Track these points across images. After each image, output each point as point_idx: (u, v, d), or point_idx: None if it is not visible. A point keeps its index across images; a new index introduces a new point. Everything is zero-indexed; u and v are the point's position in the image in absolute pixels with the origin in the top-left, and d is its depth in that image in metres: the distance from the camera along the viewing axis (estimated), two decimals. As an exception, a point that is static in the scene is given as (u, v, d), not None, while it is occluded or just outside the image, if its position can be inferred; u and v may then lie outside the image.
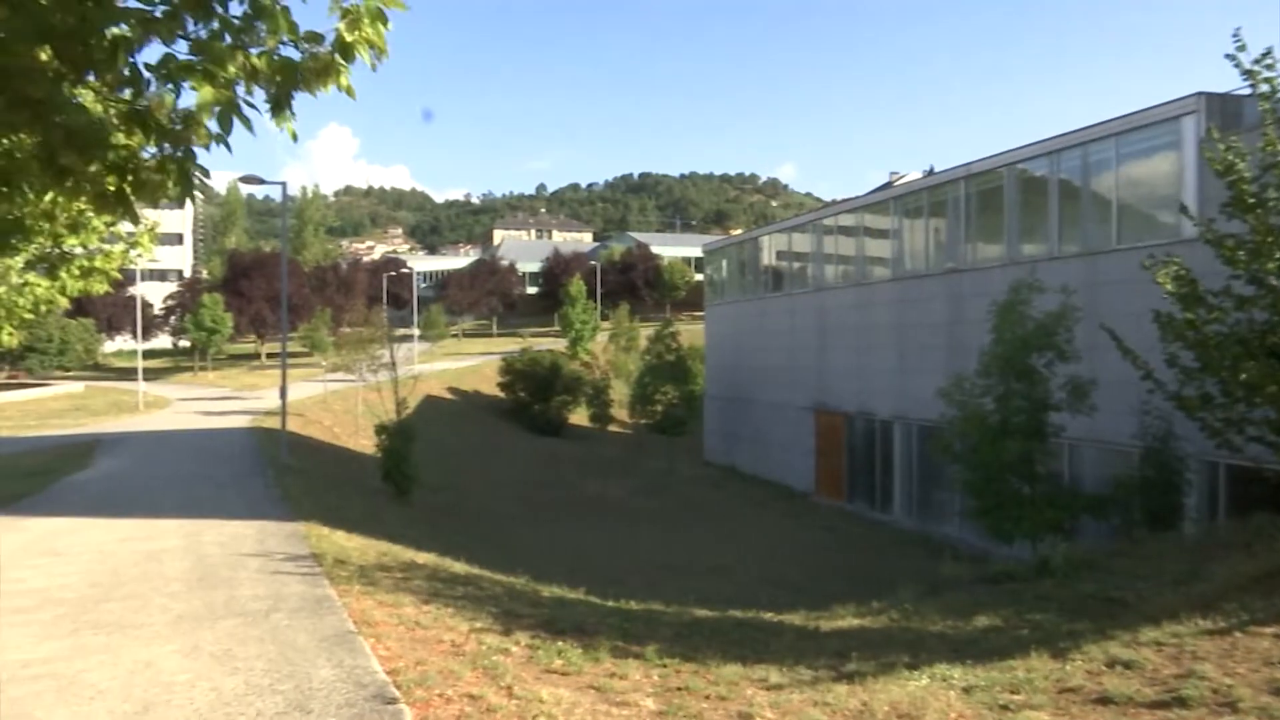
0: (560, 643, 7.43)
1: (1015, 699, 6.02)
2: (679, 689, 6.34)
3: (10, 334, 13.41)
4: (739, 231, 72.10)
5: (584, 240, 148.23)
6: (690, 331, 52.91)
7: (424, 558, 12.64)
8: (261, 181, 26.51)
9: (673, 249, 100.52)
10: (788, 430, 32.01)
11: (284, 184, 27.30)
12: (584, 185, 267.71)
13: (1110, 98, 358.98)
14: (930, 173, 35.16)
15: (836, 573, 19.51)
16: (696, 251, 72.44)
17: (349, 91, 3.71)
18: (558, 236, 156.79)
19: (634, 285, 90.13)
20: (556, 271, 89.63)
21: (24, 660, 6.92)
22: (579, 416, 53.22)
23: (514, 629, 7.95)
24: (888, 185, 50.10)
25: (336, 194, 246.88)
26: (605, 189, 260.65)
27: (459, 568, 12.40)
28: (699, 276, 74.19)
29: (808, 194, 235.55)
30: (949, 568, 14.05)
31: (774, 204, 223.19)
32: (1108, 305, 16.67)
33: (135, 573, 10.17)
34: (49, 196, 4.04)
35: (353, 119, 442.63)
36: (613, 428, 51.72)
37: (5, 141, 3.67)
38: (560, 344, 69.27)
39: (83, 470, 21.50)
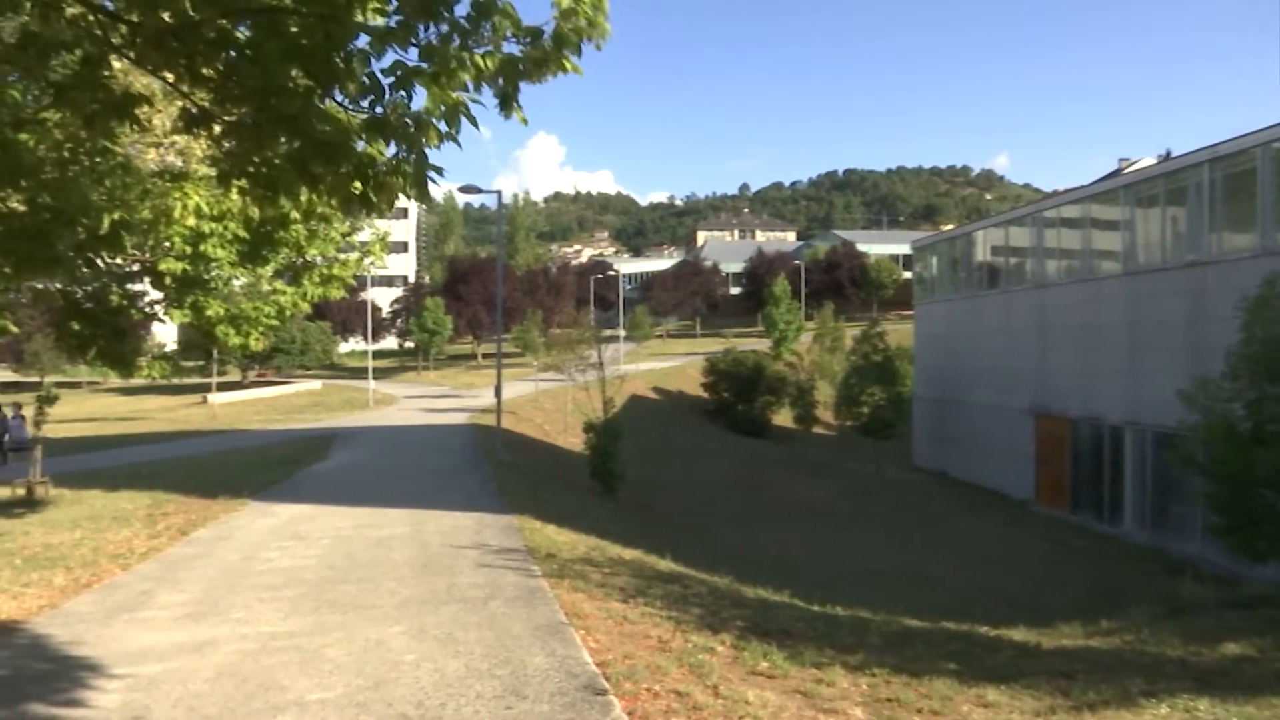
0: (766, 645, 7.36)
1: (1276, 736, 5.43)
2: (889, 700, 6.13)
3: (257, 338, 14.81)
4: (950, 227, 69.19)
5: (787, 239, 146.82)
6: (898, 331, 51.27)
7: (630, 554, 12.87)
8: (479, 190, 28.19)
9: (879, 246, 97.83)
10: (1004, 434, 30.38)
11: (499, 192, 28.73)
12: (787, 184, 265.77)
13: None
14: (1167, 157, 32.40)
15: (1059, 587, 18.31)
16: (904, 248, 70.25)
17: (575, 70, 3.82)
18: (761, 236, 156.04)
19: (839, 284, 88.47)
20: (760, 271, 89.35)
21: (273, 633, 7.57)
22: (783, 417, 52.72)
23: (719, 629, 7.94)
24: (1116, 173, 46.52)
25: (546, 200, 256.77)
26: (809, 187, 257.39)
27: (664, 565, 12.55)
28: (907, 274, 71.93)
29: (1025, 185, 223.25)
30: (1189, 588, 12.87)
31: (988, 197, 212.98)
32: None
33: (367, 558, 10.92)
34: (303, 200, 4.39)
35: (558, 126, 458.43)
36: (817, 429, 50.88)
37: (265, 153, 4.03)
38: (764, 344, 68.95)
39: (321, 461, 23.37)
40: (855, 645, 7.82)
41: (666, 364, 66.45)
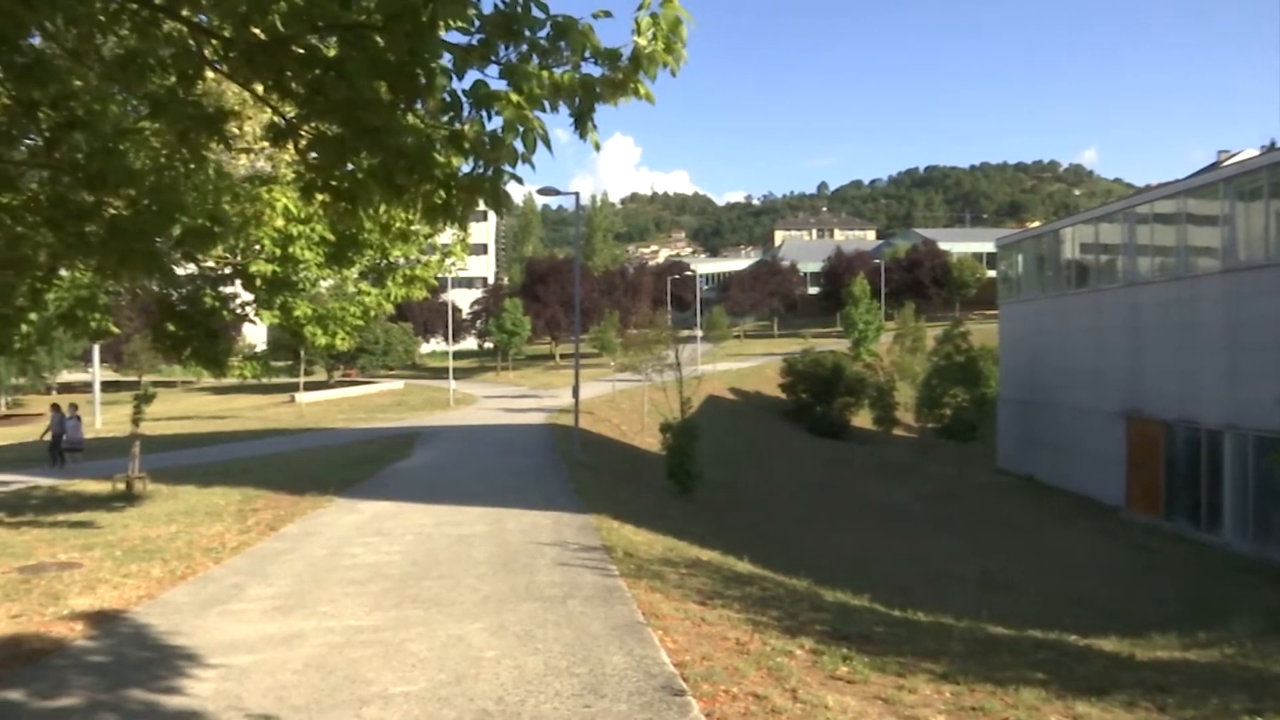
0: (845, 649, 7.27)
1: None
2: (973, 709, 6.00)
3: (343, 338, 15.19)
4: (1037, 224, 67.37)
5: (867, 238, 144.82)
6: (982, 331, 50.11)
7: (708, 555, 12.86)
8: (557, 192, 28.56)
9: (962, 245, 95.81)
10: (1093, 438, 29.44)
11: (577, 194, 28.89)
12: (866, 182, 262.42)
13: None
14: (1271, 148, 30.97)
15: (1153, 597, 17.69)
16: (988, 246, 68.64)
17: (648, 98, 3.85)
18: (839, 235, 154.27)
19: (920, 283, 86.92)
20: (838, 271, 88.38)
21: (358, 627, 7.77)
22: (862, 419, 52.04)
23: (798, 632, 7.88)
24: (1215, 166, 44.65)
25: (623, 201, 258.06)
26: (889, 185, 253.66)
27: (741, 566, 12.50)
28: (991, 273, 70.33)
29: (1115, 179, 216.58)
30: (1295, 600, 12.33)
31: (1076, 192, 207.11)
32: None
33: (448, 555, 11.12)
34: (386, 211, 4.52)
35: (634, 128, 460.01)
36: (897, 431, 50.10)
37: (350, 165, 4.14)
38: (842, 345, 68.15)
39: (404, 459, 23.87)
40: (938, 652, 7.68)
41: (743, 364, 66.15)
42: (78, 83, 6.07)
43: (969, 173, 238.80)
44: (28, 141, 6.56)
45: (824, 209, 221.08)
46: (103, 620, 8.15)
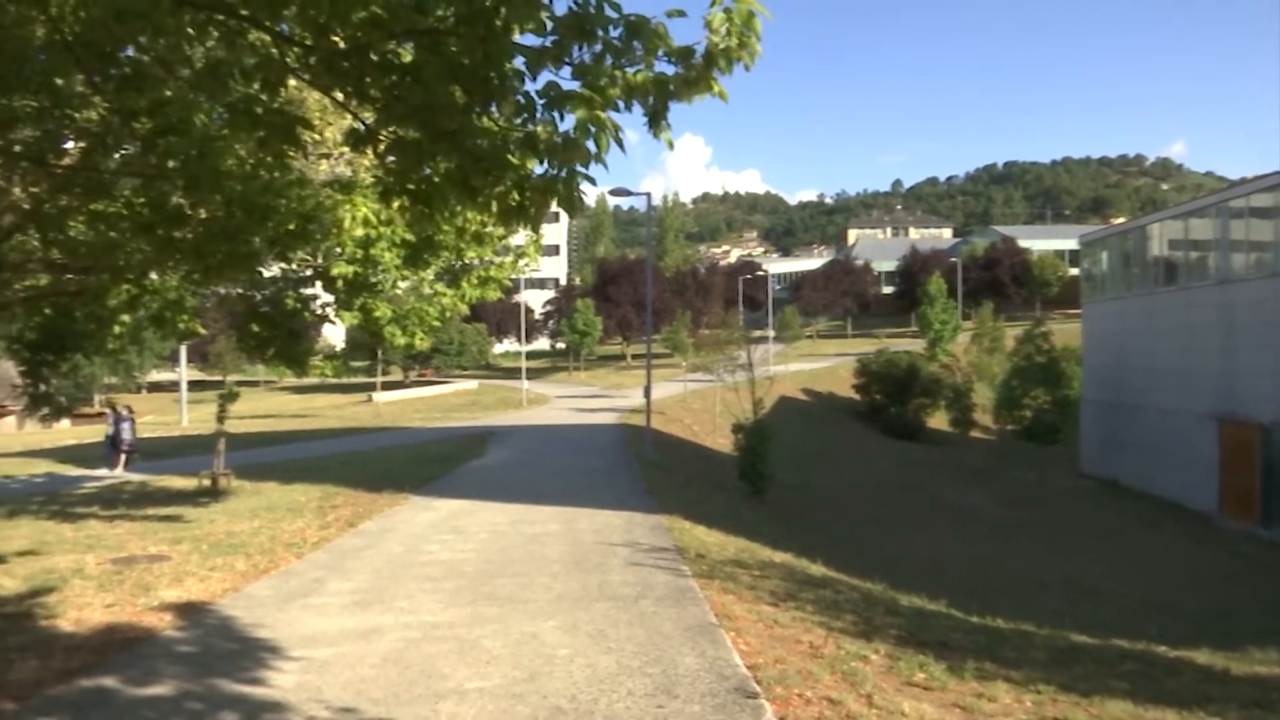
0: (922, 655, 7.13)
1: None
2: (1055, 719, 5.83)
3: (421, 338, 15.46)
4: (1121, 220, 65.33)
5: (943, 236, 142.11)
6: (1064, 331, 48.77)
7: (780, 557, 12.75)
8: (629, 193, 28.54)
9: (1043, 242, 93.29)
10: (1183, 441, 28.39)
11: (648, 195, 29.00)
12: (943, 178, 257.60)
13: None
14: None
15: (1249, 608, 16.99)
16: (1071, 244, 66.66)
17: (722, 95, 3.83)
18: (914, 233, 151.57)
19: (999, 282, 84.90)
20: (914, 270, 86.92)
21: (434, 623, 7.89)
22: (938, 420, 51.12)
23: (873, 636, 7.76)
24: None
25: (694, 201, 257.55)
26: (966, 181, 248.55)
27: (815, 569, 12.37)
28: (1074, 271, 68.33)
29: (1207, 173, 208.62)
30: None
31: (1164, 187, 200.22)
32: None
33: (521, 553, 11.23)
34: (461, 214, 4.60)
35: (705, 128, 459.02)
36: (975, 433, 49.04)
37: (426, 168, 4.21)
38: (918, 345, 67.08)
39: (478, 458, 24.19)
40: (1018, 660, 7.49)
41: (816, 365, 65.52)
42: (168, 92, 6.31)
43: (1050, 168, 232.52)
44: (123, 150, 6.82)
45: (898, 207, 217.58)
46: (190, 611, 8.44)
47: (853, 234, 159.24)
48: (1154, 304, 31.85)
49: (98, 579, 9.82)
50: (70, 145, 7.37)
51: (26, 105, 5.96)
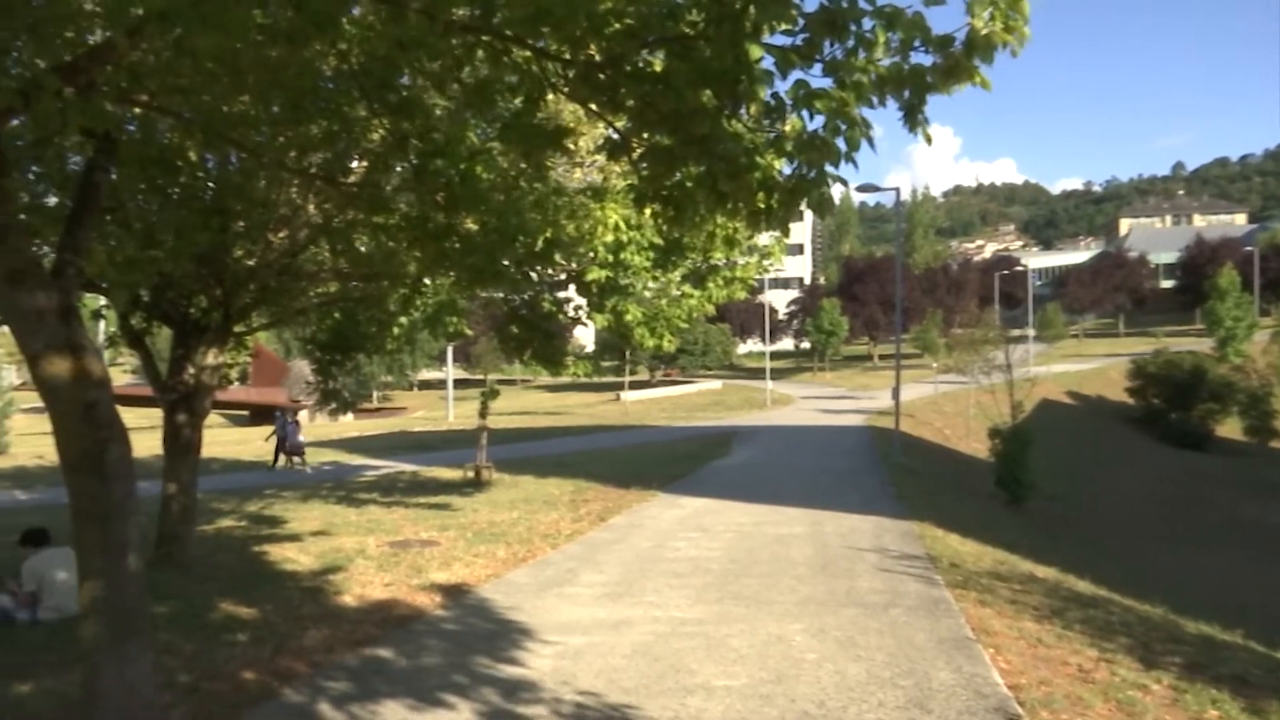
0: (1214, 690, 6.43)
1: None
2: (1381, 773, 5.09)
3: (669, 340, 15.79)
4: None
5: (1235, 223, 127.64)
6: (1388, 327, 42.59)
7: (1043, 571, 11.94)
8: (876, 189, 27.80)
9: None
10: None
11: (897, 190, 28.16)
12: (1234, 159, 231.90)
13: None
14: None
15: None
16: (1397, 227, 58.03)
17: (984, 84, 3.63)
18: (1199, 221, 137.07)
19: (1304, 273, 75.31)
20: (1199, 261, 78.73)
21: (681, 619, 8.03)
22: (1229, 428, 46.13)
23: (1152, 664, 7.09)
24: None
25: (944, 195, 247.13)
26: (1265, 160, 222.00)
27: (1083, 586, 11.48)
28: (1401, 258, 59.55)
29: None
30: None
31: None
32: None
33: (766, 554, 11.20)
34: (710, 218, 4.65)
35: (953, 118, 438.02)
36: (1275, 444, 43.78)
37: (677, 176, 4.30)
38: (1203, 344, 60.79)
39: (722, 458, 24.40)
40: (1331, 702, 6.58)
41: (1083, 366, 60.99)
42: (438, 113, 6.82)
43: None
44: (399, 169, 7.46)
45: (1180, 192, 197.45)
46: (456, 593, 9.10)
47: (1125, 223, 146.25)
48: None
49: (378, 559, 10.81)
50: (355, 164, 8.15)
51: (320, 131, 6.64)
